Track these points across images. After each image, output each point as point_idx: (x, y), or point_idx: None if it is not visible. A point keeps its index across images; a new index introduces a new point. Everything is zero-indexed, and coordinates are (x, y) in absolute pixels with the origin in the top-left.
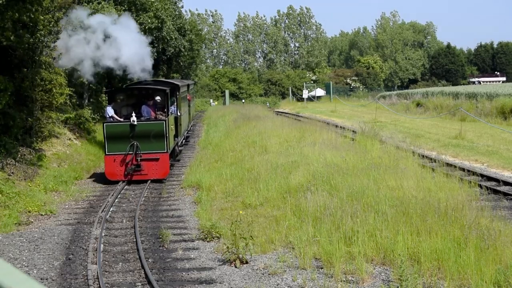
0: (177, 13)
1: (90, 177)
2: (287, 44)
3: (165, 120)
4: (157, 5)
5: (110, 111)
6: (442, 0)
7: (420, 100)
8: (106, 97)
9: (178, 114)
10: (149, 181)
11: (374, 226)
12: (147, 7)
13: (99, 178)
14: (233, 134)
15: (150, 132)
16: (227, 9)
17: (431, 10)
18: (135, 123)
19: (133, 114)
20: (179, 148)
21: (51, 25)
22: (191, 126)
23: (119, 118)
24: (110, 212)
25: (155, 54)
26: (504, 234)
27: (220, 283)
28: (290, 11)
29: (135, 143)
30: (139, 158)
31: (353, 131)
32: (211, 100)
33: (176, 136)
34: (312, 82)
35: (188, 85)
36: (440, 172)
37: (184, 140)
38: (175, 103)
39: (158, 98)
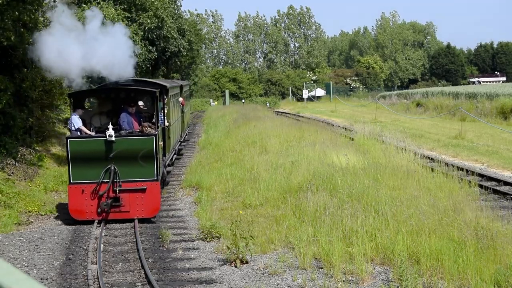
0: (176, 12)
1: None
2: (287, 44)
3: (155, 135)
4: (157, 4)
5: (76, 121)
6: (442, 0)
7: (420, 100)
8: (70, 102)
9: (166, 124)
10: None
11: (374, 226)
12: (146, 7)
13: None
14: (233, 134)
15: (135, 152)
16: (227, 9)
17: (431, 10)
18: (113, 138)
19: (110, 126)
20: (168, 169)
21: (51, 25)
22: (186, 136)
23: (88, 132)
24: None
25: (155, 53)
26: (503, 234)
27: (220, 283)
28: (290, 11)
29: (113, 168)
30: (117, 189)
31: (352, 131)
32: (211, 100)
33: (163, 154)
34: (312, 82)
35: (181, 87)
36: (440, 172)
37: (175, 156)
38: (163, 110)
39: (142, 103)
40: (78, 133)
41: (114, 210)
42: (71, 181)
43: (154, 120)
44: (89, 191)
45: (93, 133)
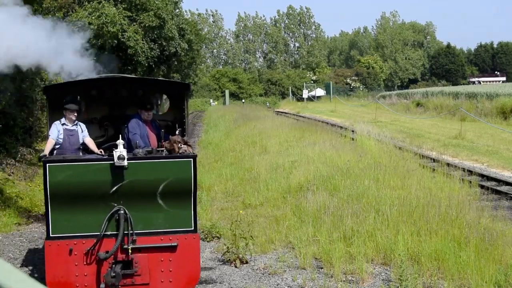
0: (177, 11)
1: None
2: (287, 44)
3: (194, 157)
4: (158, 4)
5: (59, 133)
6: (442, 0)
7: (420, 100)
8: (46, 102)
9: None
10: None
11: (374, 226)
12: (147, 7)
13: None
14: (233, 134)
15: (159, 185)
16: (227, 9)
17: (431, 10)
18: (124, 163)
19: (120, 142)
20: None
21: None
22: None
23: (95, 149)
24: None
25: (157, 50)
26: (504, 234)
27: (220, 283)
28: (290, 11)
29: (122, 212)
30: (129, 247)
31: (352, 131)
32: (211, 100)
33: None
34: (312, 82)
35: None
36: (440, 172)
37: None
38: (187, 117)
39: (165, 104)
40: (80, 153)
41: (125, 283)
42: (51, 235)
43: (177, 132)
44: (81, 252)
45: (84, 154)
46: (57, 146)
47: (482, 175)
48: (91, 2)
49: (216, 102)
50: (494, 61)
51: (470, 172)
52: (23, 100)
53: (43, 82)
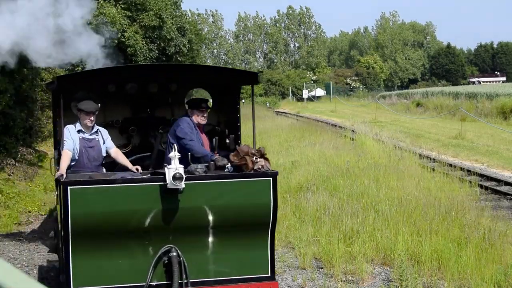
0: (178, 13)
1: None
2: (287, 44)
3: (275, 175)
4: (158, 4)
5: (74, 144)
6: (442, 0)
7: (420, 100)
8: (51, 98)
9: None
10: None
11: (374, 226)
12: (147, 7)
13: None
14: None
15: (226, 214)
16: (227, 9)
17: (431, 10)
18: (182, 185)
19: (174, 154)
20: None
21: None
22: None
23: (131, 167)
24: None
25: (156, 52)
26: (504, 234)
27: None
28: (290, 11)
29: (174, 253)
30: None
31: (352, 131)
32: (211, 100)
33: None
34: (312, 82)
35: None
36: (440, 172)
37: None
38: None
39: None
40: (104, 171)
41: None
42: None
43: (229, 140)
44: None
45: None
46: (71, 164)
47: (482, 175)
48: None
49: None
50: (494, 61)
51: (470, 172)
52: (23, 100)
53: (43, 82)
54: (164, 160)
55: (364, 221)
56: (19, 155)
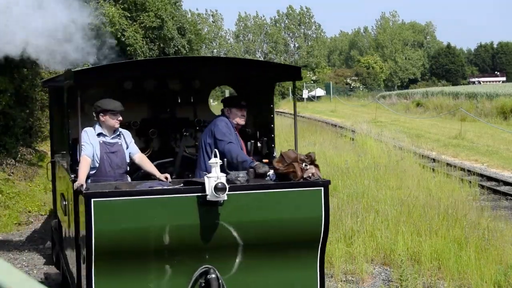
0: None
1: None
2: (287, 44)
3: (327, 184)
4: (158, 4)
5: (94, 149)
6: (442, 0)
7: (420, 100)
8: (76, 93)
9: None
10: None
11: (374, 226)
12: (147, 7)
13: None
14: None
15: (269, 229)
16: (227, 9)
17: (431, 10)
18: (224, 197)
19: (214, 161)
20: None
21: None
22: None
23: (161, 177)
24: None
25: (156, 51)
26: (504, 234)
27: None
28: (290, 11)
29: (214, 275)
30: None
31: (352, 131)
32: (211, 100)
33: None
34: (312, 82)
35: None
36: (440, 172)
37: None
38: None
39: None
40: (128, 179)
41: None
42: None
43: (260, 144)
44: None
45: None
46: (91, 172)
47: (482, 175)
48: (90, 2)
49: (216, 102)
50: (494, 61)
51: (470, 172)
52: (23, 100)
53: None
54: (197, 167)
55: (364, 221)
56: (19, 155)
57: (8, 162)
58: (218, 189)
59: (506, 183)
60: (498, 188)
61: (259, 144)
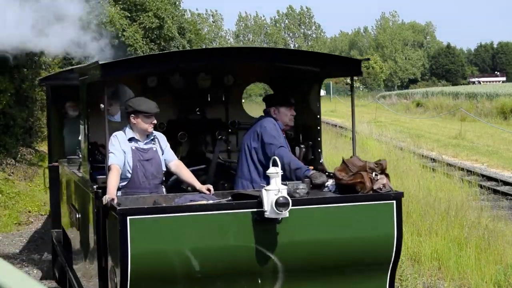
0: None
1: None
2: (287, 44)
3: (398, 196)
4: (157, 4)
5: (125, 156)
6: (442, 0)
7: (420, 100)
8: (83, 94)
9: None
10: None
11: None
12: (147, 7)
13: None
14: None
15: (332, 251)
16: (227, 9)
17: (431, 10)
18: (285, 213)
19: (278, 172)
20: None
21: None
22: None
23: (203, 190)
24: None
25: (156, 51)
26: (504, 234)
27: None
28: (290, 11)
29: None
30: None
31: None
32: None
33: None
34: None
35: None
36: (440, 172)
37: None
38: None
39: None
40: (163, 191)
41: None
42: None
43: (305, 149)
44: None
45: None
46: (122, 183)
47: (482, 175)
48: (89, 2)
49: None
50: (494, 61)
51: (470, 172)
52: (23, 100)
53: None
54: (238, 175)
55: None
56: (19, 155)
57: (8, 162)
58: (280, 204)
59: (506, 183)
60: (498, 188)
61: (303, 149)
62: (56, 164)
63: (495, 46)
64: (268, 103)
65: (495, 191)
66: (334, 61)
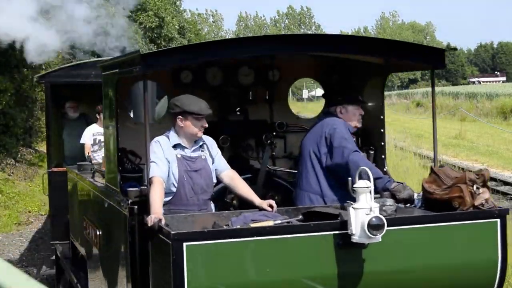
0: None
1: None
2: None
3: (503, 213)
4: (158, 4)
5: (170, 166)
6: (442, 0)
7: (420, 100)
8: (112, 90)
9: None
10: None
11: None
12: (147, 7)
13: None
14: None
15: (433, 278)
16: (227, 9)
17: (431, 10)
18: (378, 238)
19: (368, 185)
20: None
21: None
22: None
23: (265, 207)
24: None
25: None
26: None
27: None
28: (290, 11)
29: None
30: None
31: None
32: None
33: None
34: (312, 82)
35: None
36: None
37: None
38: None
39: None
40: (212, 207)
41: None
42: None
43: (365, 153)
44: None
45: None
46: (166, 199)
47: None
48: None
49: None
50: (494, 61)
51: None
52: (23, 100)
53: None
54: (299, 187)
55: None
56: (19, 155)
57: (8, 162)
58: (373, 226)
59: (506, 183)
60: (498, 188)
61: (371, 150)
62: (55, 169)
63: (495, 46)
64: (333, 101)
65: (495, 191)
66: (412, 50)
